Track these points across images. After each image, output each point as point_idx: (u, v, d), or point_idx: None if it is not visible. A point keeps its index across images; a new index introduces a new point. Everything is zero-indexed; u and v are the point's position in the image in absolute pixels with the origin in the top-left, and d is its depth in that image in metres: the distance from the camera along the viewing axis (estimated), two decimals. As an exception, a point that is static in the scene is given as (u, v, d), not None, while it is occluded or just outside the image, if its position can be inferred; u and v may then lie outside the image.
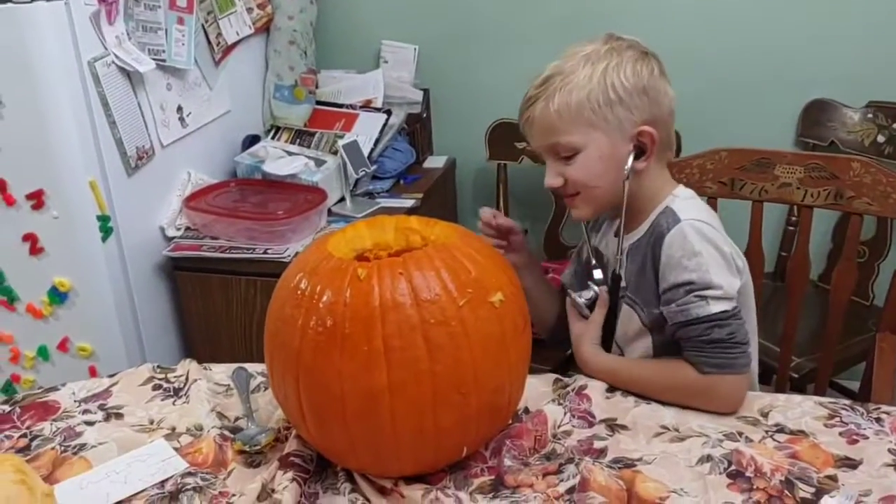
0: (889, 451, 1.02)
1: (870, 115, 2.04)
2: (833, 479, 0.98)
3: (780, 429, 1.08)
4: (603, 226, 1.32)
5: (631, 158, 1.16)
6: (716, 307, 1.12)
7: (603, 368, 1.21)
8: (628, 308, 1.23)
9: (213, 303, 1.96)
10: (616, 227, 1.24)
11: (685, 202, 1.20)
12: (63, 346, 1.86)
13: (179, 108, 1.96)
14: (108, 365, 1.80)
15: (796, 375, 1.75)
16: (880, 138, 2.02)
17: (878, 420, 1.09)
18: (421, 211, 2.08)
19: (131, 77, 1.78)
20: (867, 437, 1.05)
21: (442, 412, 0.95)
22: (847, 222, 1.54)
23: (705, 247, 1.13)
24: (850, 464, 1.01)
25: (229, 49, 2.11)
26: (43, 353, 1.87)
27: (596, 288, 1.25)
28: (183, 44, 1.88)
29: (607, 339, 1.26)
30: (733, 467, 1.01)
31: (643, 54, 1.18)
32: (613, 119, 1.15)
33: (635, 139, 1.16)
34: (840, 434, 1.06)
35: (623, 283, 1.23)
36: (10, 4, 1.56)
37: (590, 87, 1.14)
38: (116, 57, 1.72)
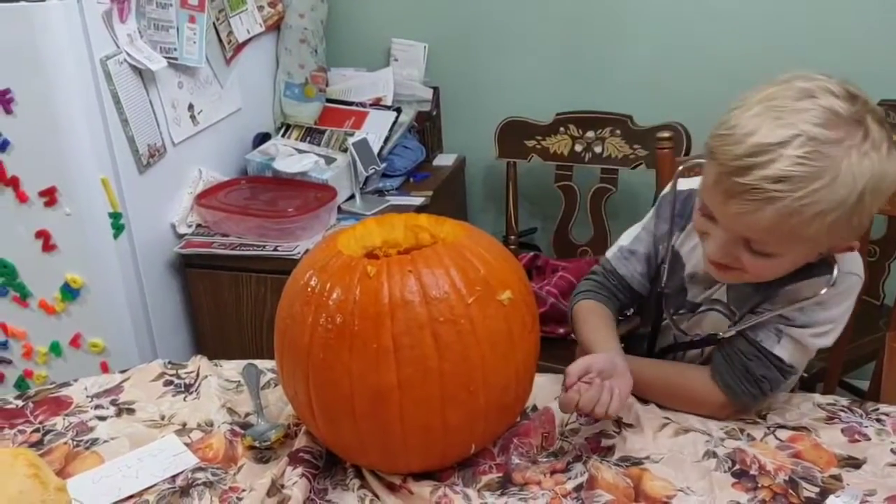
0: (892, 451, 1.02)
1: (881, 114, 2.03)
2: (837, 478, 0.98)
3: (782, 425, 1.08)
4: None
5: (835, 276, 1.02)
6: (780, 350, 1.05)
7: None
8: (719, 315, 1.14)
9: (223, 299, 1.97)
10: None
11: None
12: (75, 341, 1.87)
13: (191, 106, 1.97)
14: (119, 361, 1.82)
15: (806, 374, 1.74)
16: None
17: (878, 420, 1.09)
18: (430, 209, 2.09)
19: (143, 75, 1.79)
20: (869, 438, 1.05)
21: (450, 409, 0.95)
22: (857, 221, 1.53)
23: (838, 303, 1.04)
24: (854, 463, 1.01)
25: (240, 47, 2.12)
26: (55, 348, 1.89)
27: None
28: (194, 42, 1.89)
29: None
30: (738, 466, 1.01)
31: (891, 140, 0.94)
32: (836, 238, 0.97)
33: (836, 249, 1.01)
34: (842, 431, 1.06)
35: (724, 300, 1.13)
36: (22, 3, 1.57)
37: (843, 208, 0.91)
38: (128, 55, 1.73)
